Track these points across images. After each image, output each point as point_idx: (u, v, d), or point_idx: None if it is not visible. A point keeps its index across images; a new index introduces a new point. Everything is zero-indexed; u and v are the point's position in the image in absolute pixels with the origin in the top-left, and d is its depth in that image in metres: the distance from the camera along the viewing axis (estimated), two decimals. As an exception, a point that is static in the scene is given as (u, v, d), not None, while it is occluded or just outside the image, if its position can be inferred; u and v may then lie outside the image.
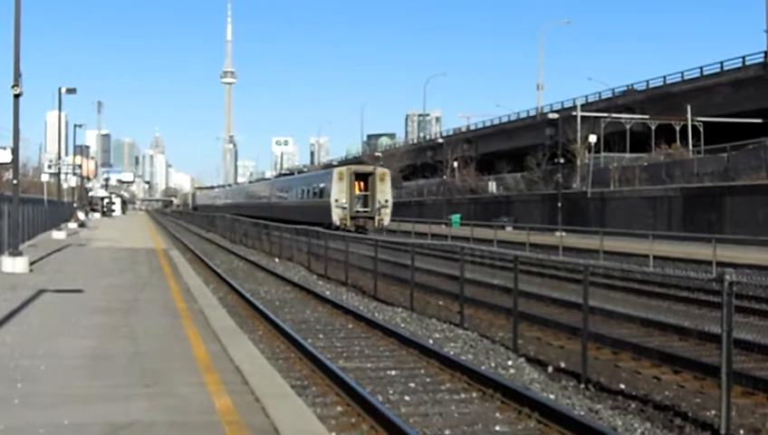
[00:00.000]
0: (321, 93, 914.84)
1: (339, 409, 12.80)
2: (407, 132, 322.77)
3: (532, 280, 26.82)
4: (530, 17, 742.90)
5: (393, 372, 15.69)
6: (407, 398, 13.63)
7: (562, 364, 16.75)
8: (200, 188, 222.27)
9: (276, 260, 45.95)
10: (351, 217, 65.69)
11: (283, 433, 9.01)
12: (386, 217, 67.28)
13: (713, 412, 12.57)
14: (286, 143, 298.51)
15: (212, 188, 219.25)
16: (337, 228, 58.06)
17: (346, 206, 65.64)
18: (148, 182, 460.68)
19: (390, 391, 14.06)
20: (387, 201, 67.26)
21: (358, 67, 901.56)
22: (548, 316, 22.24)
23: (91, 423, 9.35)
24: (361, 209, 66.95)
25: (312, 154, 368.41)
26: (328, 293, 28.90)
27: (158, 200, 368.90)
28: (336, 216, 65.18)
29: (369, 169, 71.58)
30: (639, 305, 24.23)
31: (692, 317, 20.93)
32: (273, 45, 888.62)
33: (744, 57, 76.84)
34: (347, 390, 13.40)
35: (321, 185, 71.48)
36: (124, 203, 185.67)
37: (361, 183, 67.90)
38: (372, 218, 66.19)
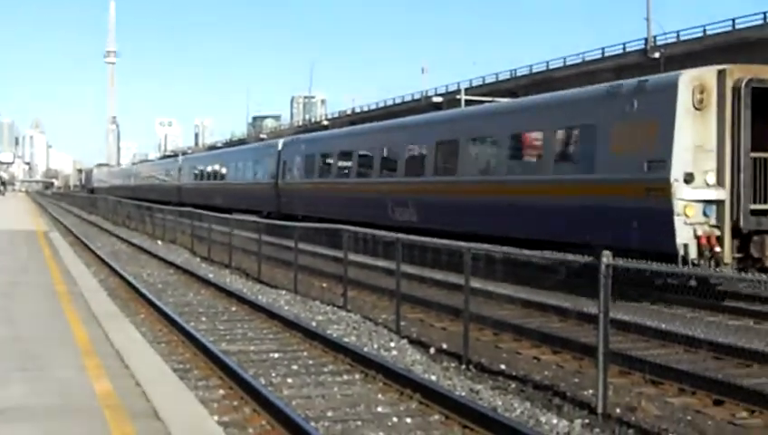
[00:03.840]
0: (205, 75, 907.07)
1: (221, 392, 12.75)
2: (292, 114, 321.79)
3: (414, 262, 26.93)
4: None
5: (276, 355, 15.67)
6: (289, 380, 13.63)
7: (444, 346, 16.91)
8: (101, 165, 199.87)
9: (159, 243, 45.40)
10: (737, 233, 22.43)
11: (163, 417, 8.94)
12: None
13: (590, 392, 12.79)
14: (170, 124, 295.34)
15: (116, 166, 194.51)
16: (685, 262, 21.81)
17: (722, 197, 22.33)
18: (28, 163, 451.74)
19: (273, 374, 14.04)
20: None
21: (243, 49, 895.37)
22: (431, 298, 22.46)
23: (-33, 409, 9.18)
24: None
25: (196, 136, 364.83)
26: (211, 275, 28.71)
27: (38, 181, 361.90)
28: (688, 229, 22.16)
29: None
30: (521, 289, 24.54)
31: (571, 298, 21.23)
32: (156, 25, 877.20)
33: (624, 44, 78.05)
34: (229, 373, 13.35)
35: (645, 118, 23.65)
36: (3, 184, 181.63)
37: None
38: None
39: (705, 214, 22.31)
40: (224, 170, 67.05)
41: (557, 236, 25.26)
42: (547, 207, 26.77)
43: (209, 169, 71.93)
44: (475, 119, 34.78)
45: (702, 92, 22.50)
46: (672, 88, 22.73)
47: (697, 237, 22.11)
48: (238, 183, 61.33)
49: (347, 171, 42.76)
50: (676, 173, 22.22)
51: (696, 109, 22.46)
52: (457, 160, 32.81)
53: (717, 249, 22.11)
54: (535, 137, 28.87)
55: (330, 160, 45.26)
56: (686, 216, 22.12)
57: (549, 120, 27.85)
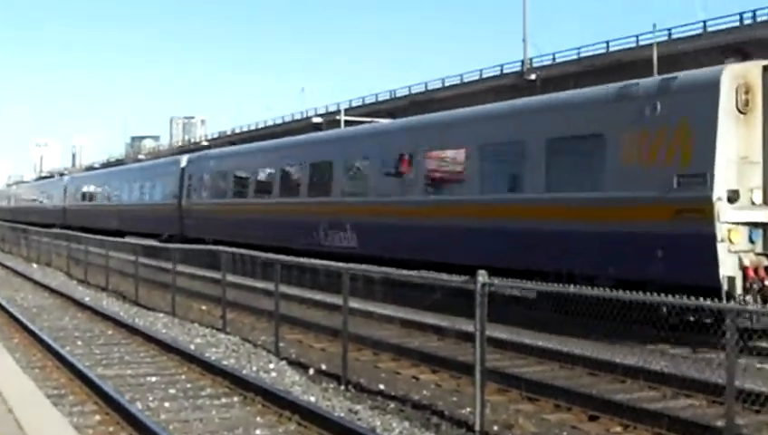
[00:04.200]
0: (81, 94, 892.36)
1: (97, 417, 12.57)
2: (171, 135, 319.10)
3: (293, 282, 26.81)
4: (294, 20, 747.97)
5: (153, 379, 15.50)
6: (167, 404, 13.49)
7: (324, 366, 16.89)
8: None
9: (34, 265, 44.56)
10: None
11: (36, 444, 8.79)
12: None
13: (468, 410, 12.90)
14: (46, 145, 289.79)
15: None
16: (730, 298, 17.04)
17: None
18: None
19: (150, 398, 13.88)
20: None
21: (120, 69, 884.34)
22: (310, 319, 22.44)
23: None
24: None
25: (73, 156, 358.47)
26: (88, 299, 28.27)
27: None
28: (733, 258, 17.98)
29: None
30: (401, 309, 24.60)
31: (449, 318, 21.34)
32: (28, 43, 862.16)
33: (502, 66, 79.27)
34: (105, 398, 13.17)
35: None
36: None
37: None
38: None
39: (750, 240, 18.27)
40: (117, 190, 60.32)
41: (551, 266, 21.27)
42: (538, 232, 22.24)
43: (99, 189, 65.75)
44: (435, 127, 28.44)
45: (747, 93, 18.49)
46: (712, 87, 18.53)
47: (743, 268, 17.96)
48: (134, 204, 55.32)
49: (268, 190, 37.40)
50: (719, 190, 18.04)
51: (741, 112, 18.44)
52: (414, 176, 27.75)
53: (767, 283, 18.01)
54: (522, 147, 23.48)
55: (245, 178, 39.74)
56: (731, 242, 17.99)
57: (541, 128, 22.90)
